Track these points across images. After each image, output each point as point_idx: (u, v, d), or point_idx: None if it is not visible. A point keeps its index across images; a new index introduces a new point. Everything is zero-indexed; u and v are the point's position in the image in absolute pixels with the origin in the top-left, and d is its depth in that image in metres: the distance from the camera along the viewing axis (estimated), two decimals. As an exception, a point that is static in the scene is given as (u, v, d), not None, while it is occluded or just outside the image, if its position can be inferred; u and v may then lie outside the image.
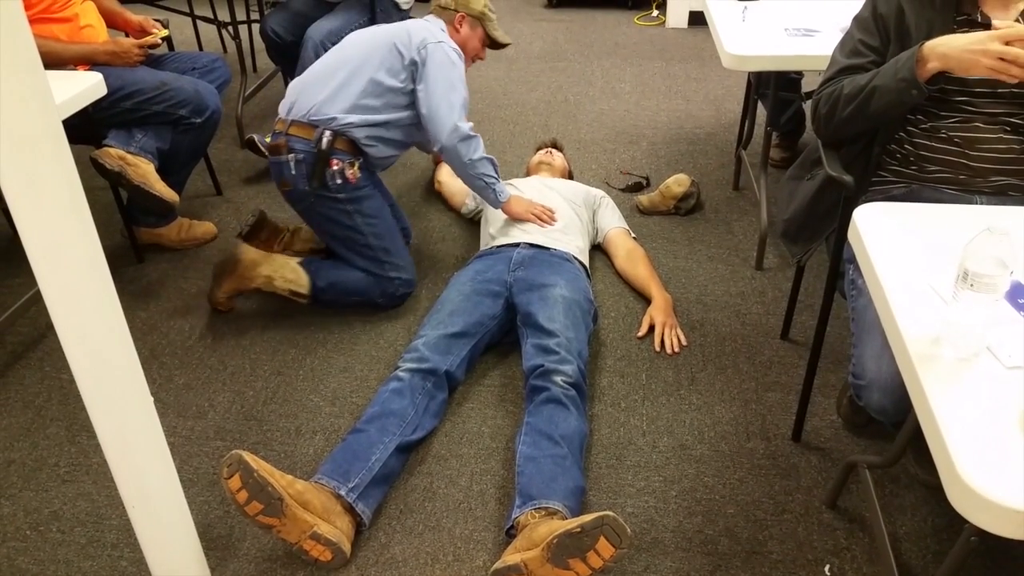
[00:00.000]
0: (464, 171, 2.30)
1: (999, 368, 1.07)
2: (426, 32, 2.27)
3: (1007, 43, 1.41)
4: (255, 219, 2.46)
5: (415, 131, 2.35)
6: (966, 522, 0.95)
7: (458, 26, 2.41)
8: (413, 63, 2.23)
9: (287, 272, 2.31)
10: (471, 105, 3.71)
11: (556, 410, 1.83)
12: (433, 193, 2.99)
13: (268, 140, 3.07)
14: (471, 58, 2.48)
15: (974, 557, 1.61)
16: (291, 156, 2.23)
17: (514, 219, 2.42)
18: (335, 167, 2.22)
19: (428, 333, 2.04)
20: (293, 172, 2.24)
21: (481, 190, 2.36)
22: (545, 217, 2.42)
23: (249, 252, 2.31)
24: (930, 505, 1.74)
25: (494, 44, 2.53)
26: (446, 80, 2.22)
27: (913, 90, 1.53)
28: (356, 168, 2.25)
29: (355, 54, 2.29)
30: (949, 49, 1.48)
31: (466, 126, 2.23)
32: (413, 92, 2.26)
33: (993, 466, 0.92)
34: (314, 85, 2.29)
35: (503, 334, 2.19)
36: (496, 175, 2.34)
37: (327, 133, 2.21)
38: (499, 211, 2.52)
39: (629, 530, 1.48)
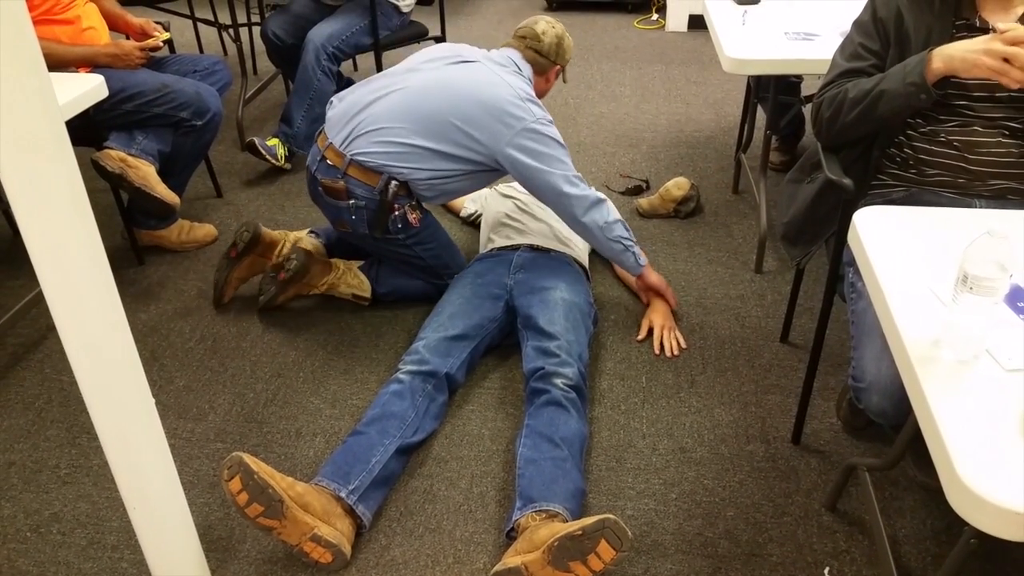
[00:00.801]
0: (600, 235, 2.17)
1: (999, 371, 1.08)
2: (519, 107, 2.07)
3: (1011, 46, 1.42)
4: (250, 235, 2.36)
5: (481, 182, 2.25)
6: (966, 524, 0.95)
7: (551, 77, 2.36)
8: (502, 146, 2.07)
9: (349, 278, 2.34)
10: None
11: (556, 412, 1.83)
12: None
13: (269, 143, 3.11)
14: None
15: (974, 559, 1.61)
16: (352, 202, 2.14)
17: (647, 288, 2.34)
18: (397, 212, 2.15)
19: (428, 335, 2.04)
20: (353, 218, 2.17)
21: (620, 253, 2.22)
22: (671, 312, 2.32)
23: (316, 263, 2.31)
24: (929, 508, 1.74)
25: None
26: (551, 161, 2.09)
27: (922, 94, 1.54)
28: (416, 210, 2.20)
29: (435, 109, 2.09)
30: (954, 51, 1.49)
31: (592, 194, 2.14)
32: (494, 159, 2.12)
33: (993, 468, 0.93)
34: (381, 126, 2.11)
35: (503, 336, 2.19)
36: (632, 237, 2.24)
37: (393, 184, 2.10)
38: (498, 214, 2.53)
39: (630, 533, 1.48)
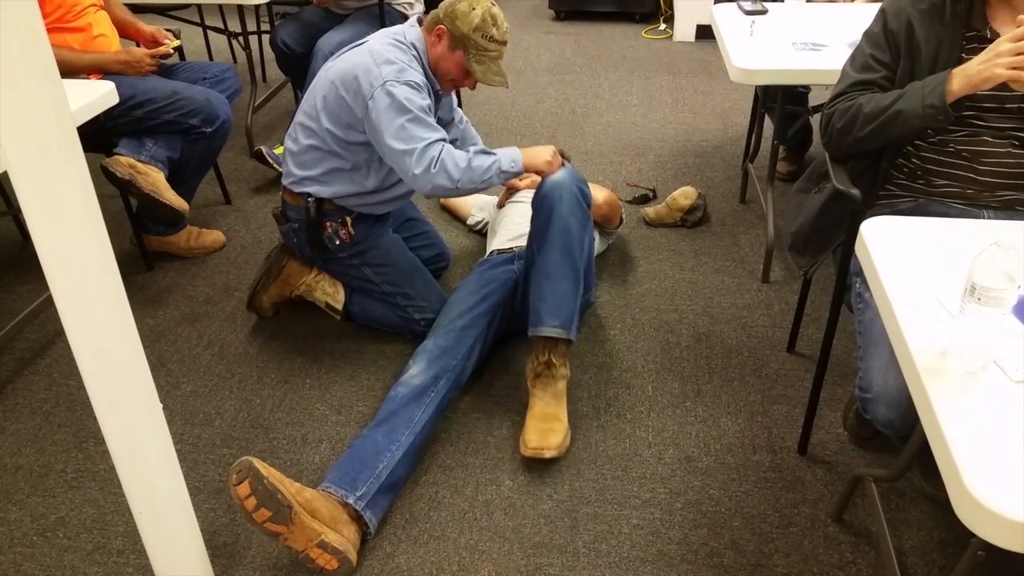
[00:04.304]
0: (464, 191, 1.99)
1: (1006, 382, 1.07)
2: (371, 66, 1.95)
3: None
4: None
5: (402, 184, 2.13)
6: (972, 536, 0.95)
7: (436, 39, 2.06)
8: (365, 112, 1.97)
9: (326, 285, 2.33)
10: (478, 117, 3.74)
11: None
12: (437, 206, 3.00)
13: (276, 152, 3.12)
14: (448, 81, 2.11)
15: (981, 571, 1.60)
16: (288, 225, 2.21)
17: (535, 170, 2.05)
18: (329, 230, 2.16)
19: (437, 336, 2.04)
20: (295, 240, 2.23)
21: (492, 182, 2.01)
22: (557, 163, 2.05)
23: (294, 260, 2.32)
24: (936, 519, 1.74)
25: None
26: (391, 124, 1.92)
27: (940, 116, 1.53)
28: (350, 225, 2.16)
29: (312, 109, 2.07)
30: (968, 67, 1.49)
31: (425, 159, 1.91)
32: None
33: (1001, 479, 0.92)
34: (290, 147, 2.15)
35: (509, 324, 2.19)
36: (492, 158, 1.99)
37: (310, 200, 2.12)
38: (503, 219, 2.52)
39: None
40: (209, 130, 2.57)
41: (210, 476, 1.89)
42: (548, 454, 1.85)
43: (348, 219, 2.16)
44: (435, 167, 1.92)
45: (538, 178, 2.08)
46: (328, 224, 2.15)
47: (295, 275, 2.32)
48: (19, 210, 1.09)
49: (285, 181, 2.19)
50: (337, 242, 2.18)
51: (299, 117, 2.13)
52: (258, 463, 1.56)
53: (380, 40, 2.04)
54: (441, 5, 2.07)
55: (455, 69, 2.07)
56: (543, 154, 2.05)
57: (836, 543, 1.69)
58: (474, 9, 2.02)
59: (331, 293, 2.33)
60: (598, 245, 2.59)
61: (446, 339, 2.01)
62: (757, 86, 2.91)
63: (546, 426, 1.91)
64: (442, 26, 2.04)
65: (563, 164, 2.08)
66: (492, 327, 2.12)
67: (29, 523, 1.77)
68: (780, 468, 1.88)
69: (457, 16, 2.02)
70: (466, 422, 2.03)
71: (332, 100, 2.01)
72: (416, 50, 2.05)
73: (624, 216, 2.60)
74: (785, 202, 2.32)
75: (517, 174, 2.03)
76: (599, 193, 2.46)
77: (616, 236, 2.76)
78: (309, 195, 2.12)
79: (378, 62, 1.96)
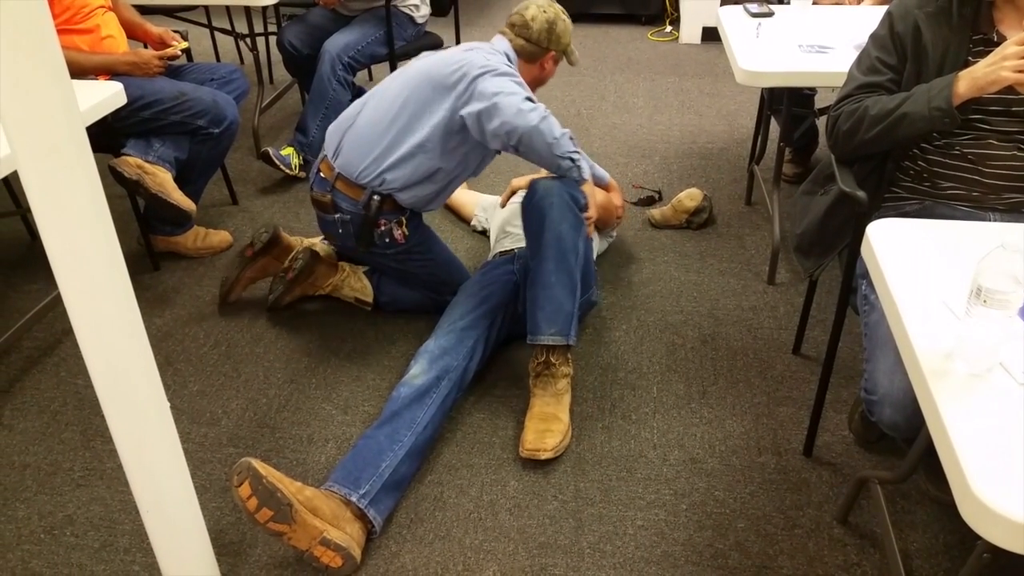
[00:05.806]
0: (557, 153, 2.00)
1: (1012, 384, 1.07)
2: (473, 59, 2.03)
3: None
4: (269, 236, 2.38)
5: (464, 171, 2.18)
6: (978, 538, 0.95)
7: (546, 64, 2.23)
8: (466, 87, 2.01)
9: (353, 281, 2.36)
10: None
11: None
12: (440, 207, 3.00)
13: (282, 151, 3.13)
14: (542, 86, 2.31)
15: (986, 574, 1.60)
16: (338, 216, 2.16)
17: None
18: (383, 228, 2.15)
19: (439, 337, 2.04)
20: (340, 231, 2.19)
21: (568, 170, 2.05)
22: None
23: (321, 264, 2.32)
24: (942, 521, 1.73)
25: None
26: (496, 82, 1.98)
27: (946, 119, 1.54)
28: (404, 226, 2.17)
29: (407, 104, 2.07)
30: (974, 70, 1.50)
31: (532, 103, 1.97)
32: (466, 131, 2.05)
33: (1006, 481, 0.92)
34: (364, 137, 2.11)
35: (513, 324, 2.19)
36: (575, 149, 2.05)
37: (375, 197, 2.10)
38: (504, 222, 2.53)
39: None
40: (216, 131, 2.58)
41: (216, 475, 1.89)
42: (544, 455, 1.86)
43: (403, 219, 2.17)
44: (545, 112, 1.99)
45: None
46: (383, 222, 2.15)
47: (322, 278, 2.34)
48: (28, 209, 1.10)
49: (346, 170, 2.12)
50: (388, 240, 2.17)
51: (384, 116, 2.09)
52: (257, 463, 1.57)
53: (469, 45, 2.15)
54: (535, 31, 2.16)
55: (554, 72, 2.30)
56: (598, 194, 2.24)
57: (841, 545, 1.69)
58: (563, 20, 2.21)
59: (359, 289, 2.35)
60: (598, 245, 2.59)
61: (447, 340, 2.02)
62: (763, 88, 2.91)
63: (544, 427, 1.91)
64: (552, 51, 2.21)
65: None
66: (494, 328, 2.12)
67: (37, 521, 1.78)
68: (785, 470, 1.88)
69: (560, 35, 2.20)
70: (471, 423, 2.03)
71: (427, 92, 2.04)
72: (509, 61, 2.14)
73: (622, 214, 2.59)
74: (791, 204, 2.32)
75: (582, 177, 2.07)
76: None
77: (619, 237, 2.76)
78: (377, 189, 2.09)
79: (480, 51, 2.07)
